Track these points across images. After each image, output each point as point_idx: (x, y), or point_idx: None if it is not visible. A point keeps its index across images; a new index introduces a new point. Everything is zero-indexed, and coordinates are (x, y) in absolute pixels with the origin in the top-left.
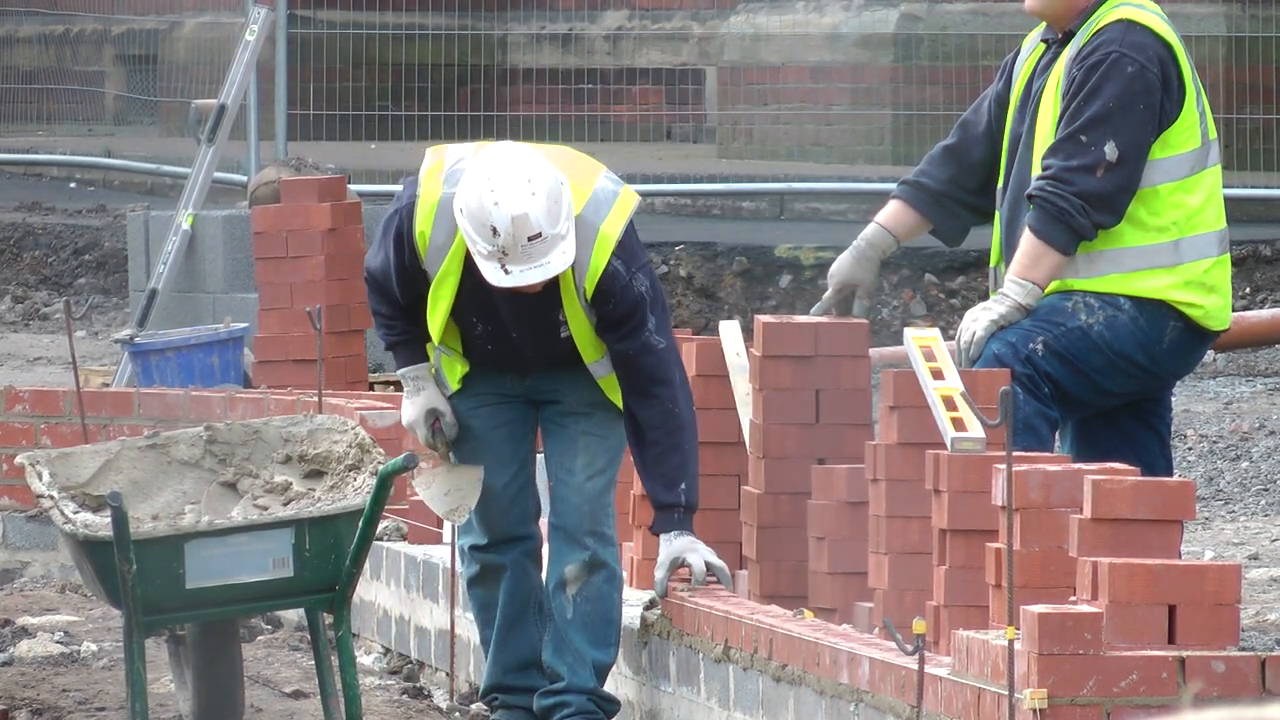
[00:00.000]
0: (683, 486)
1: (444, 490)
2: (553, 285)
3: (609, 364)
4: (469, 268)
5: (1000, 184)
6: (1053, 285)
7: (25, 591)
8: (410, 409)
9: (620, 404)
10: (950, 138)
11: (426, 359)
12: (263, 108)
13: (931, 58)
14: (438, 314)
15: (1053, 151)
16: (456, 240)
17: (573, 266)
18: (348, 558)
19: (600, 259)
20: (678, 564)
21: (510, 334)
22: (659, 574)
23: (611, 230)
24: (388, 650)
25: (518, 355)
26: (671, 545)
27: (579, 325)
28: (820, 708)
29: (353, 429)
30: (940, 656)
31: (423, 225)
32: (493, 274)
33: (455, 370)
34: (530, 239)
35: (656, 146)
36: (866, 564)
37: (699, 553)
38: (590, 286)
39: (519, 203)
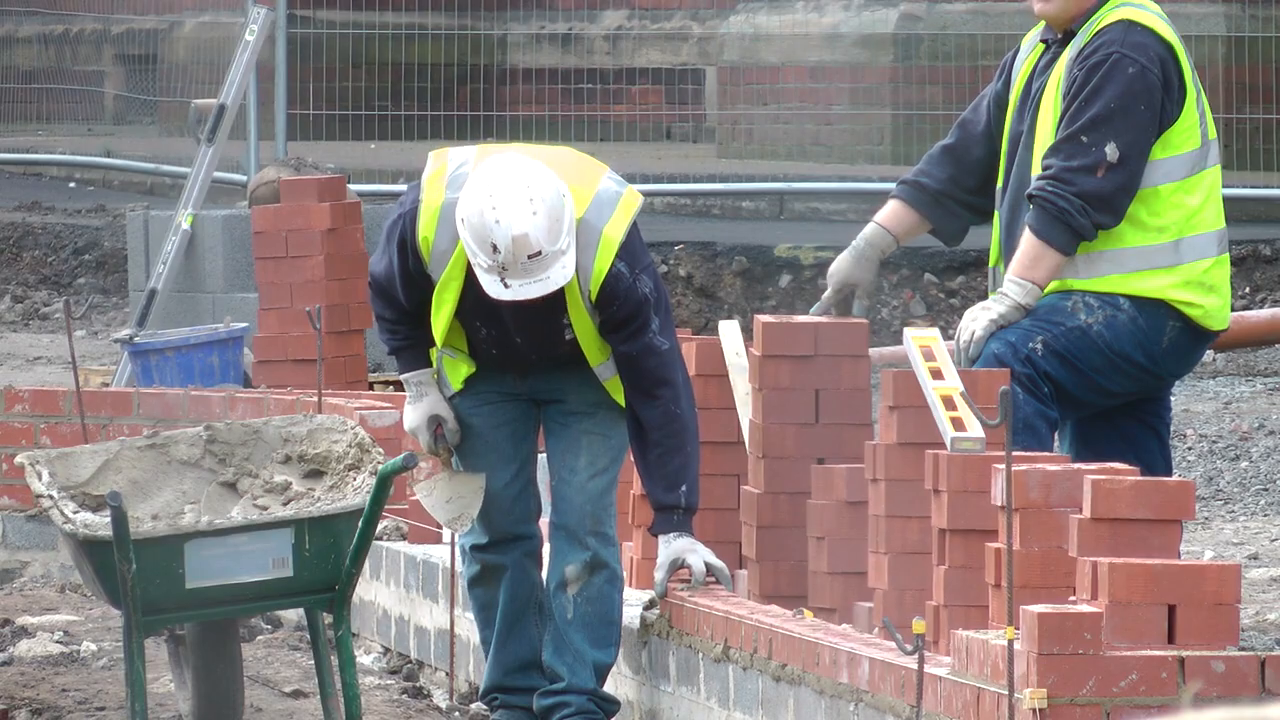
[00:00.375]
0: (683, 488)
1: (446, 498)
2: (557, 290)
3: (613, 366)
4: (471, 274)
5: (1000, 184)
6: (1052, 285)
7: (25, 591)
8: (413, 414)
9: (623, 403)
10: (949, 137)
11: (430, 364)
12: (263, 108)
13: (931, 58)
14: (441, 317)
15: (1053, 152)
16: (459, 246)
17: (577, 270)
18: (347, 558)
19: (604, 262)
20: (677, 565)
21: (514, 338)
22: (659, 575)
23: (615, 233)
24: (387, 650)
25: (521, 357)
26: (671, 547)
27: (583, 328)
28: (820, 707)
29: (352, 429)
30: (940, 656)
31: (425, 231)
32: (492, 287)
33: (459, 371)
34: (530, 256)
35: (656, 146)
36: (866, 564)
37: (699, 554)
38: (595, 289)
39: (520, 221)
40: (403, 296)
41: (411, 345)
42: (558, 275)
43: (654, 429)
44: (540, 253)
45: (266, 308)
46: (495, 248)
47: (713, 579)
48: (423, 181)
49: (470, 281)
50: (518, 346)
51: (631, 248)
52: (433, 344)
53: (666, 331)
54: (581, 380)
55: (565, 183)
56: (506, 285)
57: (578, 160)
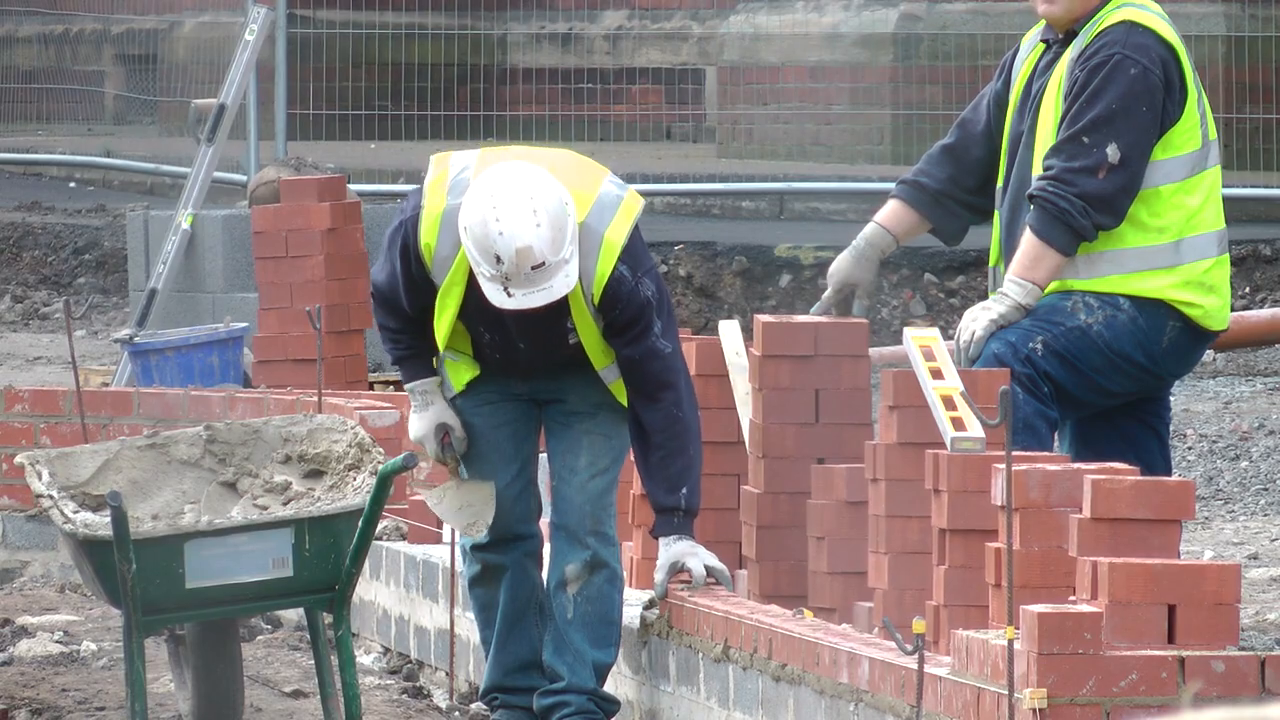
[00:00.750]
0: (684, 491)
1: (457, 505)
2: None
3: (618, 369)
4: (474, 279)
5: (1000, 184)
6: (1052, 285)
7: (25, 591)
8: (419, 423)
9: (626, 404)
10: (949, 137)
11: (434, 373)
12: (262, 107)
13: (931, 57)
14: (444, 322)
15: (1054, 152)
16: (461, 252)
17: (579, 274)
18: (347, 557)
19: (606, 265)
20: (677, 568)
21: (518, 343)
22: (658, 578)
23: (616, 236)
24: (387, 650)
25: (525, 361)
26: (671, 549)
27: (587, 331)
28: (820, 707)
29: (352, 428)
30: (940, 656)
31: (427, 237)
32: (495, 295)
33: (462, 374)
34: (534, 267)
35: (656, 146)
36: (866, 564)
37: (699, 556)
38: (597, 292)
39: (523, 233)
40: (406, 303)
41: (415, 354)
42: (560, 284)
43: (656, 432)
44: (544, 263)
45: (266, 308)
46: (498, 258)
47: (713, 581)
48: (424, 187)
49: (472, 287)
50: (521, 351)
51: (633, 251)
52: (437, 352)
53: (669, 334)
54: (584, 381)
55: (566, 187)
56: (510, 294)
57: (578, 163)
